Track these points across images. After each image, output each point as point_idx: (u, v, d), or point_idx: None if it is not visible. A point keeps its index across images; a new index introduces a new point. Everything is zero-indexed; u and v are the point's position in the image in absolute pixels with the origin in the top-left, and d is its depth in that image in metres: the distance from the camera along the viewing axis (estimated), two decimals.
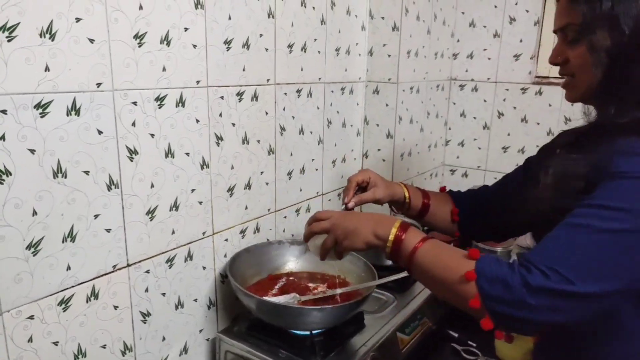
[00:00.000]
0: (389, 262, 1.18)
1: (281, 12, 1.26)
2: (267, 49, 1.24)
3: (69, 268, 0.90)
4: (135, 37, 0.94)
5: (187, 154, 1.08)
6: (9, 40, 0.76)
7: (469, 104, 1.99)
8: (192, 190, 1.11)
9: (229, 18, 1.12)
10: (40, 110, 0.81)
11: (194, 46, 1.05)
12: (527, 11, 1.80)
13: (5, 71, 0.76)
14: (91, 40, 0.87)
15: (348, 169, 1.67)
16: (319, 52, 1.43)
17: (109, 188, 0.94)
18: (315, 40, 1.40)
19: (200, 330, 1.21)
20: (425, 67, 1.78)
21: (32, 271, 0.85)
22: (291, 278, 1.30)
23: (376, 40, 1.62)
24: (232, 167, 1.21)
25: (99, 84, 0.89)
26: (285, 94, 1.33)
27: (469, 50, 1.94)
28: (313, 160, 1.50)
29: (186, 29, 1.03)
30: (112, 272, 0.98)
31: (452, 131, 2.05)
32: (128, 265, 1.01)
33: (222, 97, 1.14)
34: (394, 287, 1.33)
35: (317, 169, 1.52)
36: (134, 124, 0.96)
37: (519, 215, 0.96)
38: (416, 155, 1.85)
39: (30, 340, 0.86)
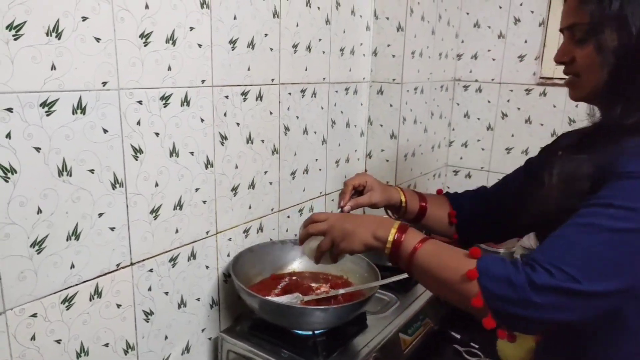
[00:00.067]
0: None
1: (286, 12, 1.26)
2: (272, 49, 1.24)
3: (72, 266, 0.90)
4: (141, 36, 0.94)
5: (192, 153, 1.08)
6: (15, 39, 0.76)
7: (473, 104, 1.99)
8: (196, 190, 1.11)
9: (235, 18, 1.12)
10: (46, 108, 0.81)
11: (200, 45, 1.05)
12: (532, 12, 1.80)
13: (11, 69, 0.76)
14: (97, 39, 0.87)
15: (351, 169, 1.67)
16: (323, 52, 1.42)
17: (114, 187, 0.94)
18: (319, 40, 1.40)
19: (203, 330, 1.21)
20: (430, 68, 1.78)
21: (36, 269, 0.85)
22: (294, 278, 1.30)
23: (381, 40, 1.62)
24: (236, 167, 1.21)
25: (104, 83, 0.89)
26: (290, 93, 1.33)
27: (474, 50, 1.94)
28: (317, 160, 1.49)
29: (192, 29, 1.03)
30: (116, 270, 0.98)
31: (456, 132, 2.05)
32: (132, 264, 1.01)
33: (226, 97, 1.14)
34: (397, 287, 1.33)
35: (320, 169, 1.52)
36: (139, 123, 0.96)
37: (521, 216, 0.96)
38: (420, 156, 1.84)
39: (33, 338, 0.86)
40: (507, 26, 1.86)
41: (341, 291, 1.19)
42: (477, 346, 1.37)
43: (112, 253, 0.96)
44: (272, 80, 1.26)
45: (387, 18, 1.60)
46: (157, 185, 1.02)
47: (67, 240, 0.88)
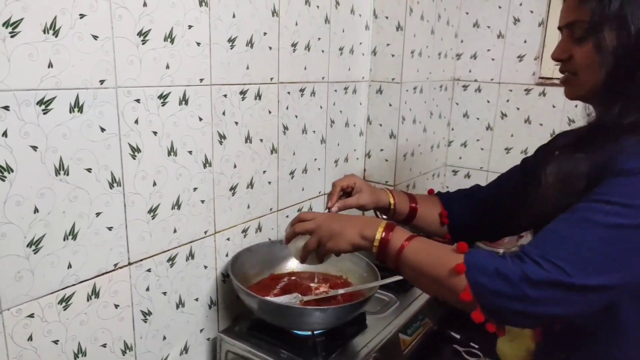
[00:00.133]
0: None
1: (285, 11, 1.26)
2: (270, 48, 1.24)
3: (70, 266, 0.89)
4: (139, 34, 0.93)
5: (190, 152, 1.08)
6: (12, 36, 0.75)
7: (472, 104, 1.98)
8: (195, 189, 1.11)
9: (233, 16, 1.11)
10: (42, 106, 0.81)
11: (198, 44, 1.04)
12: (532, 12, 1.79)
13: (8, 67, 0.76)
14: (95, 37, 0.86)
15: (351, 168, 1.66)
16: (322, 51, 1.42)
17: (111, 186, 0.94)
18: (319, 39, 1.39)
19: (201, 330, 1.20)
20: (429, 67, 1.78)
21: (32, 269, 0.84)
22: (293, 278, 1.29)
23: (380, 39, 1.62)
24: (235, 166, 1.20)
25: (102, 81, 0.88)
26: (289, 93, 1.33)
27: (473, 50, 1.94)
28: (316, 159, 1.49)
29: (190, 27, 1.02)
30: (113, 270, 0.97)
31: (455, 132, 2.04)
32: (129, 264, 1.00)
33: (225, 96, 1.13)
34: (396, 288, 1.32)
35: (319, 169, 1.51)
36: (136, 122, 0.96)
37: (519, 216, 0.95)
38: (419, 156, 1.84)
39: (30, 338, 0.85)
40: (507, 26, 1.85)
41: (340, 291, 1.19)
42: (476, 346, 1.36)
43: (110, 253, 0.96)
44: (271, 79, 1.26)
45: (387, 17, 1.59)
46: (155, 184, 1.02)
47: (64, 240, 0.88)
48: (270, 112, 1.28)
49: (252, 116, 1.22)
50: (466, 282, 0.72)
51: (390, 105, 1.64)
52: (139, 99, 0.95)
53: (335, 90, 1.51)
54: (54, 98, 0.82)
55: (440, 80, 1.89)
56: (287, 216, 1.42)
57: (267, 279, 1.28)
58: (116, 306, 0.99)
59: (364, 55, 1.62)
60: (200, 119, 1.09)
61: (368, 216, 0.94)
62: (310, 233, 0.95)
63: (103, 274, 0.95)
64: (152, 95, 0.98)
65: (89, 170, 0.89)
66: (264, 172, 1.30)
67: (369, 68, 1.65)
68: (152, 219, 1.03)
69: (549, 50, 1.79)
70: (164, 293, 1.09)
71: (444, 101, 1.96)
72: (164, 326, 1.10)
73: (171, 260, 1.09)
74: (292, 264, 1.33)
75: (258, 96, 1.23)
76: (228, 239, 1.23)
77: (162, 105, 1.00)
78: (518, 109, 1.88)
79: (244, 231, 1.28)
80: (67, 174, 0.86)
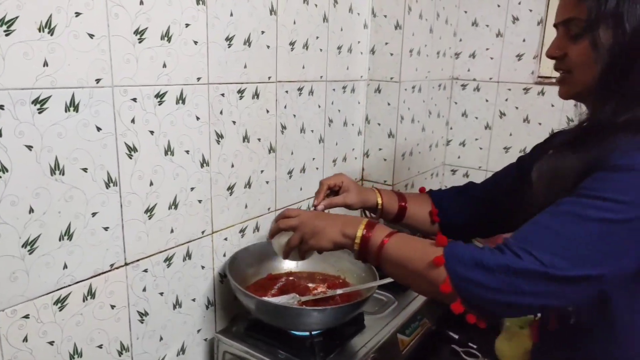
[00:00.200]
0: None
1: (283, 9, 1.25)
2: (268, 46, 1.23)
3: (65, 267, 0.89)
4: (136, 32, 0.92)
5: (187, 151, 1.07)
6: (7, 35, 0.74)
7: (470, 103, 1.98)
8: (192, 189, 1.10)
9: (231, 14, 1.11)
10: (38, 106, 0.80)
11: (195, 42, 1.04)
12: (531, 10, 1.79)
13: (2, 66, 0.75)
14: (91, 36, 0.85)
15: (349, 168, 1.66)
16: (320, 50, 1.41)
17: (107, 186, 0.93)
18: (317, 38, 1.39)
19: (198, 330, 1.20)
20: (428, 66, 1.77)
21: (27, 269, 0.83)
22: (291, 278, 1.29)
23: (378, 38, 1.61)
24: (232, 166, 1.20)
25: (98, 80, 0.88)
26: (287, 92, 1.32)
27: (472, 49, 1.93)
28: (314, 159, 1.48)
29: (187, 25, 1.01)
30: (110, 271, 0.96)
31: (454, 131, 2.04)
32: (126, 264, 0.99)
33: (222, 95, 1.13)
34: (394, 288, 1.32)
35: (317, 168, 1.51)
36: (133, 121, 0.95)
37: (513, 213, 0.95)
38: (417, 155, 1.83)
39: (25, 339, 0.85)
40: (505, 25, 1.85)
41: (339, 291, 1.19)
42: (475, 346, 1.36)
43: (106, 253, 0.95)
44: (269, 78, 1.25)
45: (385, 16, 1.59)
46: (151, 184, 1.01)
47: (59, 240, 0.87)
48: (268, 111, 1.27)
49: (249, 115, 1.21)
50: (446, 274, 0.73)
51: (388, 104, 1.64)
52: (135, 98, 0.94)
53: (334, 89, 1.50)
54: (49, 97, 0.81)
55: (438, 79, 1.88)
56: None
57: (264, 279, 1.27)
58: (112, 307, 0.98)
59: (362, 54, 1.61)
60: (198, 118, 1.08)
61: (351, 215, 0.94)
62: (294, 230, 0.96)
63: (99, 274, 0.95)
64: (149, 94, 0.97)
65: (84, 170, 0.88)
66: (262, 171, 1.29)
67: (367, 67, 1.64)
68: (149, 219, 1.02)
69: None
70: (161, 293, 1.08)
71: (442, 100, 1.95)
72: (160, 327, 1.09)
73: (168, 260, 1.08)
74: (290, 264, 1.33)
75: (256, 95, 1.22)
76: (225, 239, 1.22)
77: (159, 105, 0.99)
78: (517, 108, 1.88)
79: (242, 231, 1.27)
80: (63, 174, 0.85)
